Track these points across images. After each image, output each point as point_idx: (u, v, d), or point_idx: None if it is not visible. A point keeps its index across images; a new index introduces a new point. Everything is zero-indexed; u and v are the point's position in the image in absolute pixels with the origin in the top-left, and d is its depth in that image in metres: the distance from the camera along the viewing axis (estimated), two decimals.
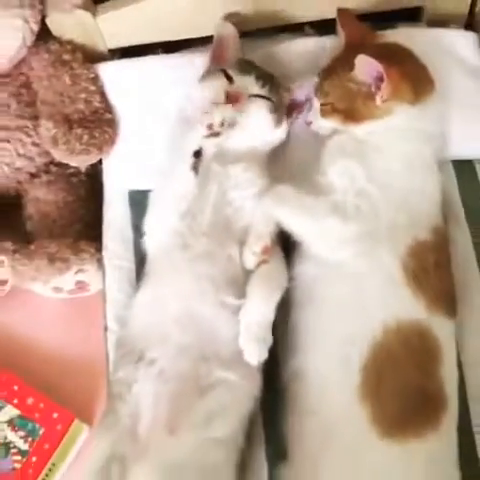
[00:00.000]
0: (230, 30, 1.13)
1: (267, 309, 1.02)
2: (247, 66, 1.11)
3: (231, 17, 1.18)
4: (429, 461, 0.96)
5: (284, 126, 1.11)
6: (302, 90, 1.14)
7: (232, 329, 1.03)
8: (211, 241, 1.06)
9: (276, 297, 1.03)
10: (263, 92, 1.09)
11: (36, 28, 1.13)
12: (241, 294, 1.03)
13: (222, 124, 1.04)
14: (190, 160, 1.07)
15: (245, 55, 1.15)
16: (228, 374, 1.02)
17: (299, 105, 1.14)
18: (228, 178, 1.08)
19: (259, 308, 1.02)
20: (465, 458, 0.99)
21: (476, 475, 1.02)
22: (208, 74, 1.10)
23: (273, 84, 1.11)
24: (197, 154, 1.04)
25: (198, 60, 1.14)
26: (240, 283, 1.04)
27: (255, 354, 1.00)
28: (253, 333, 1.01)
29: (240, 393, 1.04)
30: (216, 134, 1.03)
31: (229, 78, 1.08)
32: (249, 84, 1.09)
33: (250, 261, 1.04)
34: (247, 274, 1.05)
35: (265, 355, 1.01)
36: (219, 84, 1.07)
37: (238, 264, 1.06)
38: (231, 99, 1.05)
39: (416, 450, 0.95)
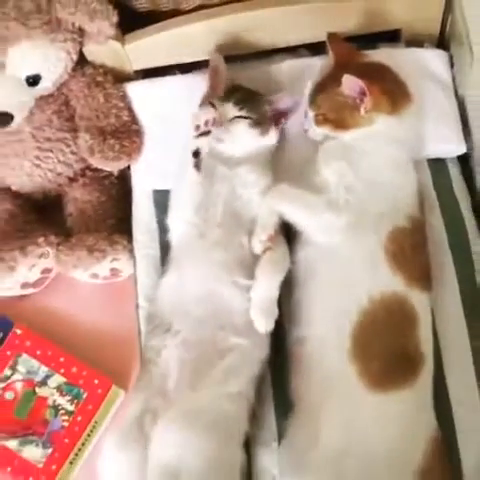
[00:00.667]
0: (220, 61, 1.26)
1: (273, 287, 1.16)
2: (229, 93, 1.23)
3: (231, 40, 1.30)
4: (409, 408, 1.09)
5: (272, 132, 1.23)
6: (283, 101, 1.25)
7: (244, 303, 1.16)
8: (224, 231, 1.19)
9: (280, 277, 1.17)
10: (242, 113, 1.21)
11: (76, 58, 1.27)
12: (250, 275, 1.17)
13: (206, 123, 1.16)
14: (191, 160, 1.18)
15: (245, 74, 1.29)
16: (241, 340, 1.15)
17: (283, 113, 1.24)
18: (236, 178, 1.20)
19: (266, 286, 1.16)
20: (438, 401, 1.13)
21: (447, 409, 1.14)
22: (203, 102, 1.23)
23: (253, 103, 1.23)
24: (195, 154, 1.17)
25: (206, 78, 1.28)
26: (249, 266, 1.18)
27: (263, 324, 1.15)
28: (262, 307, 1.15)
29: (251, 356, 1.16)
30: (206, 133, 1.17)
31: (214, 106, 1.20)
32: (229, 109, 1.21)
33: (257, 248, 1.18)
34: (255, 258, 1.18)
35: (272, 325, 1.15)
36: (206, 113, 1.19)
37: (247, 250, 1.19)
38: (216, 124, 1.18)
39: (398, 399, 1.08)
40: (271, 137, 1.23)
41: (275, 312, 1.16)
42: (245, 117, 1.22)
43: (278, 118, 1.24)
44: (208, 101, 1.23)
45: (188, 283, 1.19)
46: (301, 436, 1.12)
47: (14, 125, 1.26)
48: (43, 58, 1.22)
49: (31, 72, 1.23)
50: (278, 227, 1.20)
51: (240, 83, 1.26)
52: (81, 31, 1.23)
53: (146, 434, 1.12)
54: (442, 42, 1.37)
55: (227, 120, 1.22)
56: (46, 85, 1.26)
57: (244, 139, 1.23)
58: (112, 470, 1.14)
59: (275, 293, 1.16)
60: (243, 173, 1.21)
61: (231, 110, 1.23)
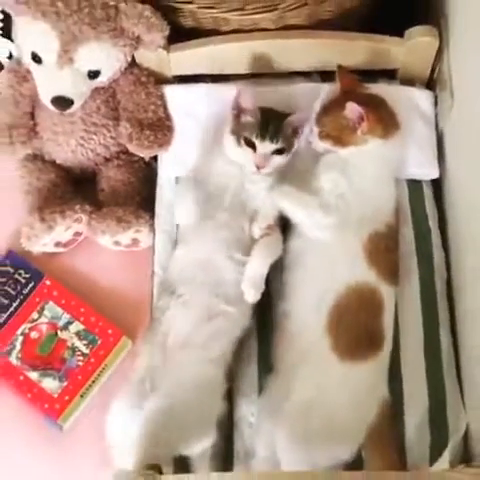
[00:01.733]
0: (246, 94, 1.33)
1: (264, 266, 1.29)
2: (263, 128, 1.31)
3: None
4: (369, 377, 1.26)
5: (295, 146, 1.35)
6: (298, 118, 1.35)
7: (237, 276, 1.29)
8: (229, 215, 1.33)
9: (271, 259, 1.30)
10: (277, 147, 1.32)
11: (129, 60, 1.40)
12: (247, 253, 1.30)
13: (257, 166, 1.31)
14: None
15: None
16: (229, 308, 1.28)
17: (298, 127, 1.35)
18: (245, 176, 1.34)
19: (258, 264, 1.29)
20: (392, 374, 1.29)
21: (399, 381, 1.29)
22: (236, 136, 1.32)
23: (282, 133, 1.32)
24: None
25: (233, 88, 1.37)
26: (247, 246, 1.31)
27: (252, 296, 1.28)
28: (252, 281, 1.28)
29: (235, 322, 1.29)
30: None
31: (253, 146, 1.32)
32: (267, 146, 1.32)
33: (256, 233, 1.32)
34: (252, 241, 1.32)
35: (258, 297, 1.28)
36: (247, 154, 1.32)
37: (247, 233, 1.32)
38: (259, 166, 1.32)
39: (360, 368, 1.25)
40: (294, 150, 1.36)
41: (262, 287, 1.28)
42: (280, 150, 1.33)
43: (295, 132, 1.36)
44: (246, 140, 1.32)
45: (194, 254, 1.32)
46: (277, 391, 1.27)
47: (72, 110, 1.39)
48: (105, 57, 1.36)
49: (93, 68, 1.36)
50: (276, 219, 1.34)
51: (265, 107, 1.35)
52: (138, 39, 1.36)
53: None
54: (430, 84, 1.48)
55: (268, 156, 1.32)
56: (102, 80, 1.39)
57: (279, 165, 1.34)
58: (118, 422, 1.26)
59: (265, 271, 1.29)
60: (251, 176, 1.34)
61: (269, 146, 1.32)
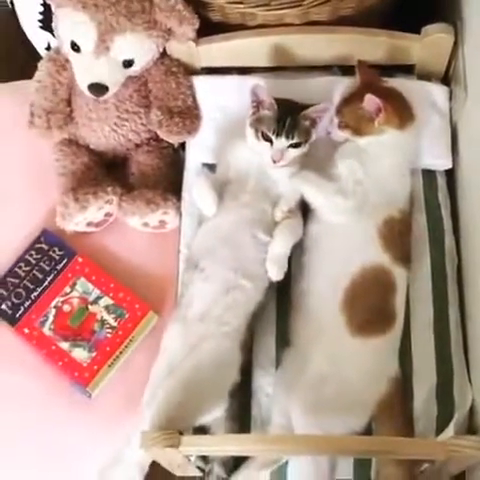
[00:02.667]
0: (261, 89, 1.38)
1: (286, 246, 1.36)
2: (279, 123, 1.36)
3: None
4: (380, 352, 1.31)
5: (312, 136, 1.40)
6: (316, 110, 1.39)
7: (256, 254, 1.36)
8: (252, 197, 1.39)
9: (293, 240, 1.37)
10: (293, 141, 1.37)
11: (161, 50, 1.46)
12: (268, 234, 1.36)
13: (273, 159, 1.37)
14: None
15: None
16: (246, 282, 1.34)
17: (316, 118, 1.40)
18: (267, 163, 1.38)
19: (281, 244, 1.36)
20: (402, 358, 1.34)
21: (409, 357, 1.35)
22: (254, 124, 1.38)
23: (298, 127, 1.37)
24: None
25: (258, 80, 1.44)
26: (269, 227, 1.37)
27: (276, 273, 1.34)
28: (276, 260, 1.35)
29: (250, 296, 1.35)
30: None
31: (270, 141, 1.37)
32: (283, 141, 1.37)
33: (278, 216, 1.38)
34: (274, 223, 1.38)
35: (282, 276, 1.35)
36: (264, 148, 1.37)
37: (269, 215, 1.38)
38: (275, 160, 1.37)
39: (373, 344, 1.31)
40: (312, 141, 1.41)
41: (285, 266, 1.35)
42: (296, 144, 1.38)
43: (313, 123, 1.41)
44: (263, 134, 1.37)
45: (218, 231, 1.38)
46: (294, 363, 1.33)
47: (106, 96, 1.45)
48: (139, 48, 1.42)
49: (128, 57, 1.43)
50: (297, 204, 1.40)
51: (283, 99, 1.40)
52: (170, 31, 1.42)
53: None
54: (446, 79, 1.53)
55: (284, 150, 1.38)
56: (135, 69, 1.46)
57: (299, 156, 1.40)
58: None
59: (287, 251, 1.36)
60: None
61: (284, 142, 1.37)
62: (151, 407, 1.27)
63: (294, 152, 1.39)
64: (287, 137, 1.38)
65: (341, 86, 1.49)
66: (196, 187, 1.43)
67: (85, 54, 1.42)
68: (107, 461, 1.42)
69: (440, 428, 1.31)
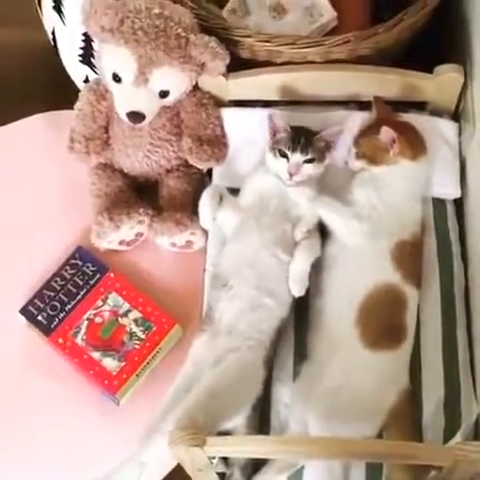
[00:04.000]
0: (277, 116, 1.50)
1: (306, 263, 1.43)
2: (294, 141, 1.47)
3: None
4: (392, 365, 1.37)
5: (327, 158, 1.50)
6: (329, 134, 1.49)
7: (279, 273, 1.43)
8: (274, 219, 1.46)
9: (312, 258, 1.44)
10: (308, 157, 1.47)
11: (194, 83, 1.53)
12: (289, 253, 1.43)
13: (289, 174, 1.46)
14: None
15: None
16: (270, 300, 1.40)
17: (330, 142, 1.50)
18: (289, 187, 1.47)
19: (301, 262, 1.43)
20: (412, 372, 1.40)
21: (418, 371, 1.41)
22: (273, 147, 1.49)
23: (313, 145, 1.46)
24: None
25: (279, 112, 1.53)
26: (289, 247, 1.44)
27: (297, 290, 1.42)
28: (297, 277, 1.42)
29: (274, 314, 1.41)
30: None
31: (286, 157, 1.47)
32: (298, 157, 1.46)
33: (298, 236, 1.45)
34: (294, 243, 1.45)
35: (303, 292, 1.42)
36: (282, 164, 1.47)
37: (289, 235, 1.45)
38: (291, 174, 1.47)
39: (385, 357, 1.36)
40: (326, 162, 1.51)
41: (306, 283, 1.42)
42: (310, 160, 1.48)
43: (328, 146, 1.50)
44: (280, 152, 1.48)
45: (243, 252, 1.45)
46: (310, 375, 1.38)
47: (143, 124, 1.53)
48: (175, 80, 1.51)
49: (164, 88, 1.51)
50: (316, 225, 1.47)
51: (298, 126, 1.50)
52: (203, 66, 1.50)
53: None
54: (456, 115, 1.60)
55: (300, 165, 1.47)
56: (170, 99, 1.53)
57: (314, 173, 1.49)
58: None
59: (307, 268, 1.42)
60: (295, 186, 1.48)
61: (299, 157, 1.47)
62: (173, 409, 1.35)
63: (309, 168, 1.48)
64: (302, 152, 1.47)
65: (355, 117, 1.58)
66: (201, 198, 1.52)
67: (125, 85, 1.52)
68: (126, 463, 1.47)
69: (447, 438, 1.37)
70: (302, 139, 1.48)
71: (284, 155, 1.48)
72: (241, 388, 1.35)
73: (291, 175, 1.48)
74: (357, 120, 1.58)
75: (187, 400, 1.33)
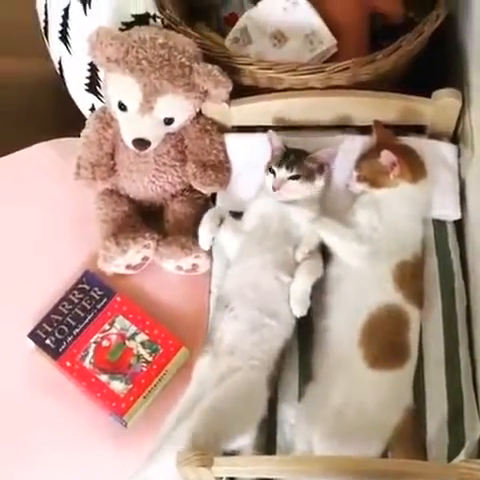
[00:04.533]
0: (273, 136, 1.56)
1: (306, 283, 1.44)
2: (283, 159, 1.52)
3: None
4: (395, 384, 1.38)
5: (318, 179, 1.52)
6: (322, 156, 1.52)
7: (280, 294, 1.44)
8: (275, 241, 1.49)
9: (313, 278, 1.45)
10: (293, 174, 1.50)
11: (198, 110, 1.56)
12: (290, 274, 1.45)
13: (273, 188, 1.50)
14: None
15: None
16: (271, 321, 1.42)
17: (324, 164, 1.53)
18: (290, 208, 1.50)
19: (302, 283, 1.44)
20: (415, 390, 1.42)
21: (422, 389, 1.43)
22: (266, 166, 1.54)
23: (300, 163, 1.50)
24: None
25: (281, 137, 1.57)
26: (290, 268, 1.46)
27: (299, 310, 1.43)
28: (298, 297, 1.43)
29: (276, 334, 1.42)
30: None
31: (274, 172, 1.52)
32: (283, 173, 1.50)
33: (299, 257, 1.47)
34: (296, 264, 1.47)
35: (305, 312, 1.43)
36: (269, 179, 1.52)
37: (291, 257, 1.47)
38: (274, 188, 1.51)
39: (388, 377, 1.38)
40: (319, 183, 1.53)
41: (307, 303, 1.43)
42: (295, 176, 1.51)
43: (321, 168, 1.53)
44: (268, 167, 1.53)
45: (245, 274, 1.47)
46: (315, 395, 1.39)
47: (148, 150, 1.55)
48: (179, 108, 1.53)
49: (169, 115, 1.53)
50: (317, 247, 1.49)
51: (292, 147, 1.55)
52: (206, 93, 1.53)
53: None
54: (455, 139, 1.62)
55: (284, 181, 1.51)
56: (174, 126, 1.56)
57: (298, 191, 1.52)
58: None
59: (308, 288, 1.44)
60: (295, 208, 1.51)
61: (285, 173, 1.50)
62: (176, 429, 1.37)
63: (293, 184, 1.51)
64: (287, 168, 1.51)
65: (353, 139, 1.62)
66: (201, 220, 1.55)
67: (131, 113, 1.55)
68: None
69: (451, 456, 1.38)
70: (291, 157, 1.53)
71: (272, 171, 1.53)
72: (244, 408, 1.36)
73: (274, 189, 1.51)
74: (355, 142, 1.61)
75: (191, 420, 1.35)
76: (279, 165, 1.52)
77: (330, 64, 1.55)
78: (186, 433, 1.31)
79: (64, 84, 1.86)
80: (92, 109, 1.78)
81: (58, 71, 1.86)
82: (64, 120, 1.80)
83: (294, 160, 1.52)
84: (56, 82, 1.89)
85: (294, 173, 1.51)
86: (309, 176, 1.53)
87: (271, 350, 1.43)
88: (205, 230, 1.56)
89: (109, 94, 1.58)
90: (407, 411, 1.39)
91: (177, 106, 1.55)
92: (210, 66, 1.52)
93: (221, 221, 1.56)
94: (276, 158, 1.55)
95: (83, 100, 1.80)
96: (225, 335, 1.44)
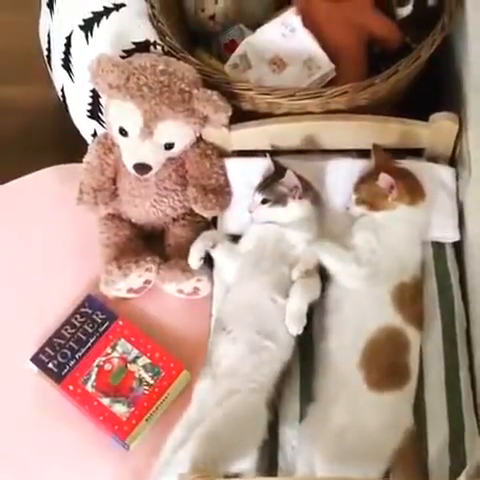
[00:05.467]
0: (269, 160, 1.59)
1: (301, 301, 1.44)
2: (259, 184, 1.57)
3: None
4: (396, 406, 1.40)
5: (291, 204, 1.52)
6: (290, 179, 1.52)
7: (277, 316, 1.44)
8: (271, 262, 1.50)
9: (308, 296, 1.45)
10: (262, 198, 1.54)
11: (198, 135, 1.57)
12: (287, 296, 1.45)
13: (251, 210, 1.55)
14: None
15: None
16: (270, 343, 1.42)
17: (294, 187, 1.52)
18: (286, 230, 1.51)
19: (297, 301, 1.44)
20: (416, 412, 1.42)
21: (423, 411, 1.43)
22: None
23: (270, 188, 1.54)
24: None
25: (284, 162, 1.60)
26: (287, 289, 1.46)
27: (295, 329, 1.43)
28: (293, 316, 1.43)
29: (276, 356, 1.43)
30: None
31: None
32: (257, 196, 1.55)
33: (295, 275, 1.47)
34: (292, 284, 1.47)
35: (300, 331, 1.42)
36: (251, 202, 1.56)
37: (287, 278, 1.48)
38: (248, 210, 1.56)
39: (388, 398, 1.39)
40: (292, 207, 1.53)
41: (303, 321, 1.43)
42: (264, 200, 1.54)
43: (292, 191, 1.53)
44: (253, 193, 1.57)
45: (242, 297, 1.49)
46: (317, 417, 1.41)
47: (149, 175, 1.57)
48: (179, 133, 1.55)
49: (169, 141, 1.55)
50: (315, 268, 1.49)
51: (284, 171, 1.54)
52: (206, 118, 1.54)
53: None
54: (452, 161, 1.64)
55: (256, 204, 1.55)
56: (175, 151, 1.58)
57: (269, 214, 1.54)
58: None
59: (303, 307, 1.44)
60: (290, 230, 1.52)
61: (258, 197, 1.55)
62: (177, 452, 1.37)
63: (263, 208, 1.55)
64: (259, 192, 1.56)
65: (338, 165, 1.65)
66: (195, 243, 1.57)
67: (132, 138, 1.57)
68: None
69: (453, 478, 1.38)
70: (268, 180, 1.56)
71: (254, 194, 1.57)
72: (243, 431, 1.37)
73: (250, 212, 1.56)
74: (355, 166, 1.63)
75: (190, 444, 1.35)
76: (256, 189, 1.57)
77: (328, 89, 1.56)
78: (186, 456, 1.32)
79: (67, 111, 1.89)
80: (94, 135, 1.80)
81: (61, 98, 1.89)
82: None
83: (267, 184, 1.55)
84: (59, 109, 1.92)
85: (263, 197, 1.55)
86: (279, 200, 1.54)
87: (270, 372, 1.43)
88: (194, 249, 1.56)
89: (110, 120, 1.61)
90: (408, 433, 1.40)
91: (177, 131, 1.56)
92: (209, 92, 1.54)
93: (215, 244, 1.58)
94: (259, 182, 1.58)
95: (85, 126, 1.82)
96: (223, 358, 1.45)
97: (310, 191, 1.58)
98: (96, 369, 1.56)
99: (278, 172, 1.58)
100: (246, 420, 1.38)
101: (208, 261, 1.62)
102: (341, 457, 1.36)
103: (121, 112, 1.57)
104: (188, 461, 1.30)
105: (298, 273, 1.48)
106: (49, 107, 2.03)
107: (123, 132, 1.57)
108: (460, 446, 1.42)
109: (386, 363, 1.43)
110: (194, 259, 1.58)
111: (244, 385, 1.41)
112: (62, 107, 1.90)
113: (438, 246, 1.60)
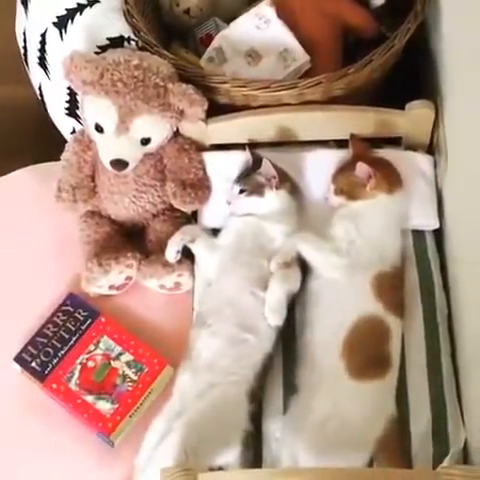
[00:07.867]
0: (248, 152, 1.60)
1: (280, 292, 1.45)
2: (237, 176, 1.58)
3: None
4: (378, 394, 1.41)
5: (269, 194, 1.54)
6: (267, 169, 1.53)
7: (257, 309, 1.45)
8: (250, 255, 1.50)
9: (287, 287, 1.45)
10: (240, 188, 1.54)
11: (175, 130, 1.57)
12: (266, 289, 1.46)
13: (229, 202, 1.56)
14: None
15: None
16: (249, 336, 1.44)
17: (270, 178, 1.53)
18: (265, 222, 1.52)
19: (276, 292, 1.45)
20: (398, 399, 1.43)
21: (405, 399, 1.44)
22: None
23: (246, 178, 1.55)
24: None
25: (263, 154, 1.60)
26: (266, 283, 1.46)
27: (274, 320, 1.44)
28: (272, 307, 1.44)
29: (255, 349, 1.44)
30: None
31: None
32: (236, 188, 1.55)
33: (273, 267, 1.46)
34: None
35: (280, 322, 1.44)
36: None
37: (266, 271, 1.47)
38: (227, 202, 1.57)
39: (371, 387, 1.40)
40: (269, 197, 1.55)
41: (283, 312, 1.44)
42: (241, 190, 1.55)
43: (268, 182, 1.55)
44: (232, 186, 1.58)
45: (222, 290, 1.50)
46: (299, 408, 1.41)
47: (126, 171, 1.57)
48: (155, 127, 1.54)
49: (145, 136, 1.55)
50: (294, 260, 1.49)
51: (261, 162, 1.55)
52: (182, 112, 1.54)
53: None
54: (430, 149, 1.64)
55: (235, 195, 1.56)
56: (152, 146, 1.57)
57: (247, 205, 1.55)
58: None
59: (282, 297, 1.45)
60: (269, 223, 1.53)
61: (236, 188, 1.56)
62: (160, 445, 1.38)
63: (241, 198, 1.56)
64: (238, 183, 1.57)
65: (318, 156, 1.64)
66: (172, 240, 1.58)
67: (107, 134, 1.57)
68: None
69: (437, 464, 1.39)
70: (246, 171, 1.57)
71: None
72: (224, 423, 1.38)
73: (228, 203, 1.56)
74: (332, 156, 1.63)
75: (172, 437, 1.36)
76: (235, 180, 1.58)
77: (302, 80, 1.56)
78: (168, 450, 1.33)
79: (45, 109, 1.88)
80: (73, 132, 1.79)
81: (39, 96, 1.89)
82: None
83: (245, 175, 1.56)
84: (37, 107, 1.91)
85: (241, 187, 1.55)
86: (256, 190, 1.55)
87: (251, 365, 1.44)
88: (171, 243, 1.56)
89: (86, 116, 1.60)
90: (391, 420, 1.41)
91: (153, 126, 1.56)
92: (185, 85, 1.54)
93: (194, 238, 1.58)
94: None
95: (64, 124, 1.82)
96: (203, 351, 1.45)
97: (287, 182, 1.58)
98: (79, 367, 1.56)
99: (256, 163, 1.58)
100: (227, 413, 1.39)
101: (190, 256, 1.62)
102: (324, 447, 1.36)
103: (96, 108, 1.57)
104: (170, 455, 1.31)
105: (276, 265, 1.47)
106: (27, 106, 2.01)
107: (99, 128, 1.57)
108: (443, 433, 1.43)
109: (368, 352, 1.43)
110: (171, 252, 1.58)
111: (224, 378, 1.42)
112: (40, 105, 1.90)
113: (418, 234, 1.61)
